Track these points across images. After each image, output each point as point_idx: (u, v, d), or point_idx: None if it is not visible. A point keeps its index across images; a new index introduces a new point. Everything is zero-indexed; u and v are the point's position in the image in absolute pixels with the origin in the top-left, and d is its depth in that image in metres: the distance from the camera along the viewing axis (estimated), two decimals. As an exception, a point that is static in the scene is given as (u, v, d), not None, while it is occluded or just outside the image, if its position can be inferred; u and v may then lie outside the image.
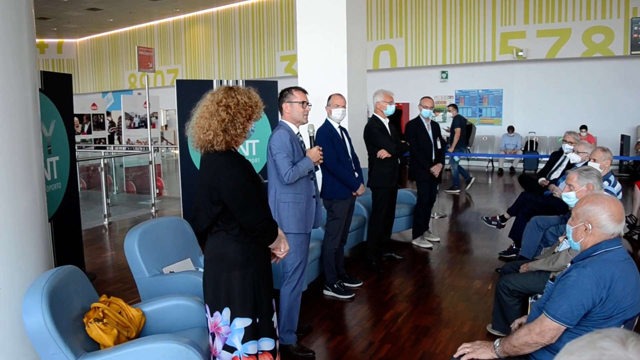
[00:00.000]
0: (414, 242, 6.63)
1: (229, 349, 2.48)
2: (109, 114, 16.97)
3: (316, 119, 4.98)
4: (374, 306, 4.72)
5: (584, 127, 12.30)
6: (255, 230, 2.40)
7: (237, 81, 6.55)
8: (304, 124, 3.81)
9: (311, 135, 3.88)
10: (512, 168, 14.30)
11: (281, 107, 3.78)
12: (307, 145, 3.90)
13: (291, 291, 3.77)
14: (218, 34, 19.80)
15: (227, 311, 2.47)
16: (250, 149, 7.29)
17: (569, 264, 2.44)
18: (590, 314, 2.25)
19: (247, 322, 2.47)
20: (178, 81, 7.03)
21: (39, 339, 2.49)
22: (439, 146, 6.54)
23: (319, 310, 4.58)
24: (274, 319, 2.60)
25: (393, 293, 4.99)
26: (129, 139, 12.80)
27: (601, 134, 12.87)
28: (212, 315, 2.51)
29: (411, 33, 15.52)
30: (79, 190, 11.39)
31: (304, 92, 3.79)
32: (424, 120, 6.47)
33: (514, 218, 6.21)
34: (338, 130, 4.96)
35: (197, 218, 2.53)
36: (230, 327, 2.47)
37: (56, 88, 5.22)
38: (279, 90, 3.98)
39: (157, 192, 9.69)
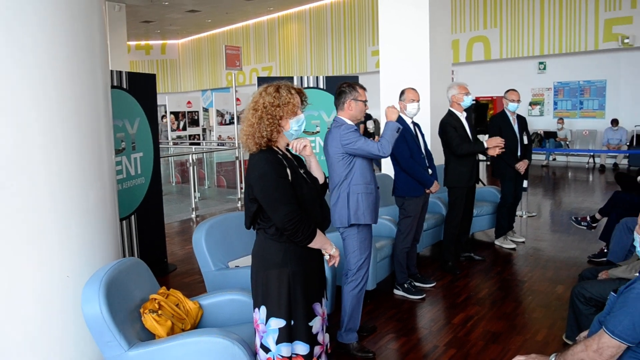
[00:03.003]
0: (497, 242, 6.34)
1: (265, 348, 2.47)
2: (206, 110, 17.67)
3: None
4: (444, 308, 4.56)
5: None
6: (286, 229, 2.38)
7: (311, 77, 6.57)
8: (360, 122, 3.76)
9: (372, 131, 3.81)
10: (615, 164, 13.31)
11: (343, 103, 3.71)
12: None
13: (353, 289, 3.71)
14: (310, 30, 20.01)
15: (263, 309, 2.46)
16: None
17: (637, 274, 2.21)
18: (654, 331, 2.02)
19: (282, 323, 2.44)
20: (259, 78, 7.15)
21: (95, 327, 2.61)
22: (525, 141, 6.21)
23: (387, 310, 4.48)
24: (313, 323, 2.53)
25: (467, 295, 4.80)
26: (220, 135, 13.24)
27: None
28: (253, 311, 2.53)
29: (506, 23, 14.87)
30: (173, 184, 12.03)
31: (365, 90, 3.73)
32: (509, 114, 6.16)
33: (606, 219, 5.79)
34: (411, 126, 4.83)
35: (245, 215, 2.56)
36: (265, 326, 2.46)
37: (140, 87, 5.47)
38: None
39: (242, 186, 9.96)
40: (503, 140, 5.25)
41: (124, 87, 5.23)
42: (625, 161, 13.18)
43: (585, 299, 3.41)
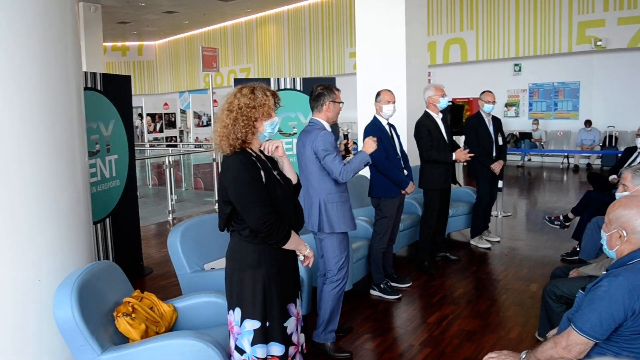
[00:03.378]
0: (472, 242, 6.41)
1: (239, 350, 2.48)
2: (183, 112, 17.56)
3: (371, 116, 4.93)
4: (420, 308, 4.60)
5: (669, 120, 11.49)
6: (260, 231, 2.38)
7: (280, 79, 6.57)
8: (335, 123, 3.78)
9: (345, 133, 3.83)
10: (589, 165, 13.54)
11: (321, 105, 3.71)
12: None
13: (334, 289, 3.72)
14: (288, 32, 20.01)
15: (238, 311, 2.46)
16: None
17: (604, 272, 2.25)
18: (621, 328, 2.06)
19: (257, 324, 2.44)
20: (236, 80, 7.13)
21: (67, 331, 2.59)
22: (500, 142, 6.29)
23: (363, 310, 4.51)
24: (288, 323, 2.54)
25: (442, 295, 4.84)
26: (197, 137, 13.18)
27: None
28: (228, 313, 2.53)
29: (482, 25, 15.04)
30: (150, 186, 11.93)
31: (340, 91, 3.75)
32: (484, 115, 6.22)
33: (578, 218, 5.89)
34: (387, 127, 4.86)
35: (218, 218, 2.56)
36: (240, 328, 2.46)
37: (115, 89, 5.42)
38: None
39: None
40: (467, 154, 5.33)
41: (99, 88, 5.18)
42: (598, 161, 13.41)
43: (557, 296, 3.47)
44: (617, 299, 2.04)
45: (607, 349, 2.10)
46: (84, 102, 3.45)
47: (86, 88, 4.92)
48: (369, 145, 3.74)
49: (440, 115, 5.47)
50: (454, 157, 5.27)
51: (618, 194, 3.39)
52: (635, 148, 6.47)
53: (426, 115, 5.43)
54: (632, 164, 6.16)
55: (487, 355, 2.41)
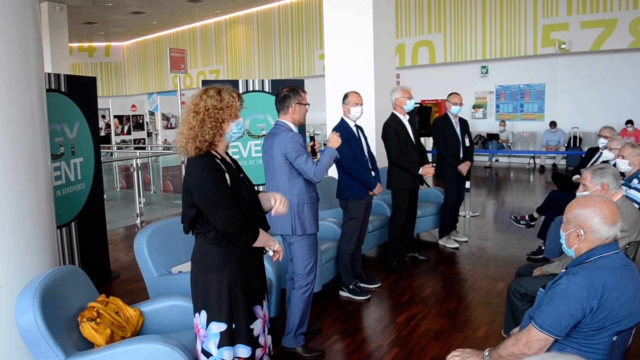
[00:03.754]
0: (440, 242, 6.49)
1: (206, 353, 2.46)
2: (152, 114, 17.37)
3: (338, 119, 4.96)
4: (389, 308, 4.63)
5: (630, 122, 11.79)
6: (228, 233, 2.37)
7: (250, 81, 6.56)
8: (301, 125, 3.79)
9: (312, 135, 3.84)
10: (554, 165, 13.83)
11: (288, 107, 3.72)
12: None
13: (304, 293, 3.72)
14: (258, 33, 19.95)
15: (204, 314, 2.45)
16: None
17: (563, 270, 2.31)
18: (580, 324, 2.11)
19: (223, 327, 2.43)
20: (204, 81, 7.07)
21: (30, 338, 2.54)
22: (467, 143, 6.37)
23: (332, 312, 4.52)
24: (255, 325, 2.53)
25: (411, 295, 4.89)
26: (165, 139, 13.04)
27: (650, 129, 12.31)
28: (194, 316, 2.51)
29: (450, 28, 15.24)
30: (118, 189, 11.76)
31: (306, 93, 3.76)
32: (452, 117, 6.30)
33: (543, 217, 6.01)
34: (354, 129, 4.88)
35: (182, 221, 2.54)
36: (206, 331, 2.45)
37: (80, 91, 5.33)
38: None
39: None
40: (433, 169, 5.45)
41: (63, 90, 5.09)
42: (563, 162, 13.71)
43: (521, 294, 3.54)
44: (575, 297, 2.09)
45: (566, 345, 2.15)
46: (46, 103, 3.39)
47: (50, 90, 4.83)
48: (334, 140, 3.75)
49: (407, 117, 5.52)
50: (420, 171, 5.35)
51: (579, 194, 3.47)
52: (597, 148, 6.63)
53: (393, 116, 5.48)
54: (594, 164, 6.30)
55: (451, 352, 2.44)
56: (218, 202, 2.34)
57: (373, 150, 5.53)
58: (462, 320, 4.28)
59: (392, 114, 5.50)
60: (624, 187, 4.09)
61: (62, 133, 5.08)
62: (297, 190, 3.66)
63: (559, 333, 2.11)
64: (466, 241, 6.62)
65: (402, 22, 15.87)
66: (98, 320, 2.80)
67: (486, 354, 2.32)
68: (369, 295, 4.82)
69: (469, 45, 14.96)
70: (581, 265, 2.19)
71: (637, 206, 3.92)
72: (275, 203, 2.65)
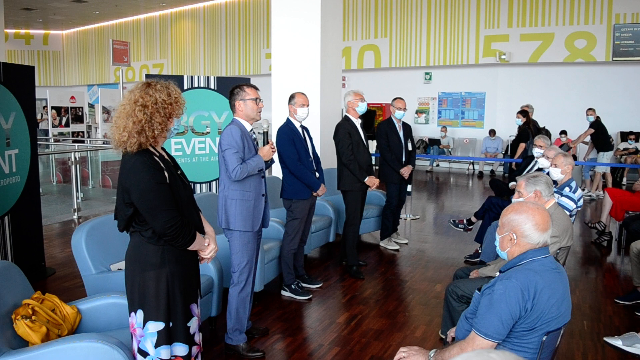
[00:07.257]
0: (381, 244, 6.60)
1: (142, 353, 2.43)
2: (92, 106, 16.86)
3: (284, 118, 4.97)
4: (330, 308, 4.68)
5: (563, 132, 12.32)
6: (166, 235, 2.34)
7: (201, 77, 6.49)
8: (257, 120, 3.78)
9: (265, 130, 3.85)
10: (492, 171, 14.30)
11: (234, 105, 3.73)
12: (260, 142, 3.88)
13: (239, 292, 3.72)
14: (204, 29, 19.70)
15: (140, 313, 2.42)
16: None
17: (497, 274, 2.41)
18: (514, 326, 2.22)
19: (160, 326, 2.41)
20: (147, 76, 6.93)
21: (-41, 336, 2.44)
22: (410, 148, 6.51)
23: (274, 311, 4.54)
24: (191, 323, 2.52)
25: (352, 295, 4.96)
26: (105, 133, 12.69)
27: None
28: (129, 316, 2.47)
29: (396, 33, 15.51)
30: (54, 183, 11.36)
31: (256, 88, 3.75)
32: (395, 121, 6.42)
33: (480, 222, 6.22)
34: (300, 130, 4.91)
35: (117, 218, 2.49)
36: (143, 330, 2.41)
37: (17, 80, 5.14)
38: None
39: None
40: (378, 181, 5.60)
41: (-1, 79, 4.89)
42: (501, 168, 14.18)
43: (458, 296, 3.66)
44: (512, 300, 2.19)
45: (503, 345, 2.25)
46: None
47: (-15, 78, 4.64)
48: (266, 152, 3.73)
49: (360, 120, 5.61)
50: (365, 179, 5.45)
51: (514, 200, 3.62)
52: (533, 157, 6.90)
53: (346, 119, 5.57)
54: (529, 172, 6.57)
55: (399, 350, 2.50)
56: (157, 204, 2.31)
57: (318, 151, 5.57)
58: (402, 320, 4.38)
59: (345, 116, 5.59)
60: (556, 195, 4.29)
61: (-3, 123, 4.88)
62: (226, 184, 3.69)
63: (502, 337, 2.22)
64: (406, 243, 6.76)
65: (349, 26, 16.03)
66: (33, 317, 2.72)
67: (431, 355, 2.39)
68: (311, 295, 4.86)
69: (413, 52, 15.27)
70: (514, 268, 2.29)
71: (568, 213, 4.12)
72: (208, 247, 2.61)
